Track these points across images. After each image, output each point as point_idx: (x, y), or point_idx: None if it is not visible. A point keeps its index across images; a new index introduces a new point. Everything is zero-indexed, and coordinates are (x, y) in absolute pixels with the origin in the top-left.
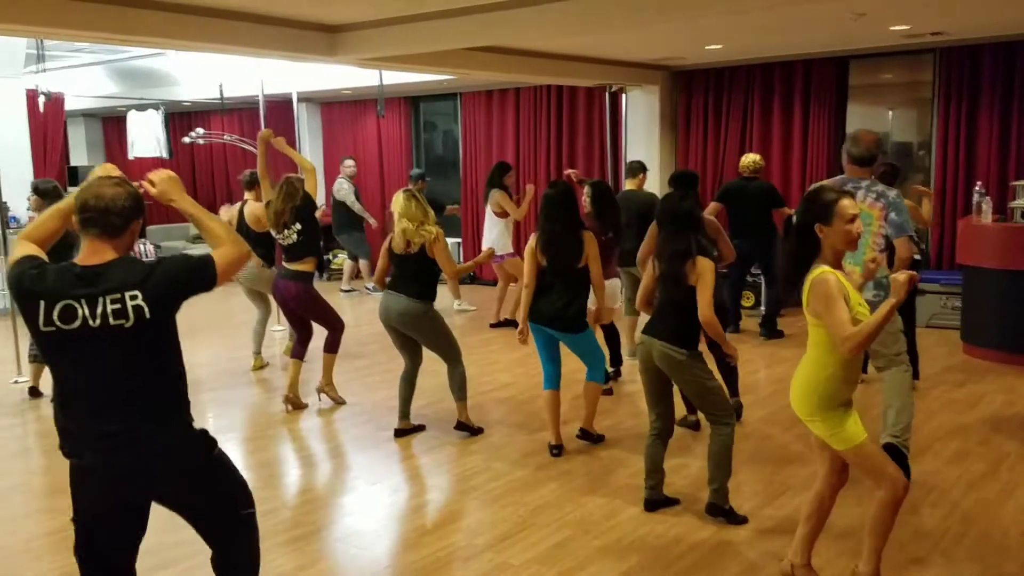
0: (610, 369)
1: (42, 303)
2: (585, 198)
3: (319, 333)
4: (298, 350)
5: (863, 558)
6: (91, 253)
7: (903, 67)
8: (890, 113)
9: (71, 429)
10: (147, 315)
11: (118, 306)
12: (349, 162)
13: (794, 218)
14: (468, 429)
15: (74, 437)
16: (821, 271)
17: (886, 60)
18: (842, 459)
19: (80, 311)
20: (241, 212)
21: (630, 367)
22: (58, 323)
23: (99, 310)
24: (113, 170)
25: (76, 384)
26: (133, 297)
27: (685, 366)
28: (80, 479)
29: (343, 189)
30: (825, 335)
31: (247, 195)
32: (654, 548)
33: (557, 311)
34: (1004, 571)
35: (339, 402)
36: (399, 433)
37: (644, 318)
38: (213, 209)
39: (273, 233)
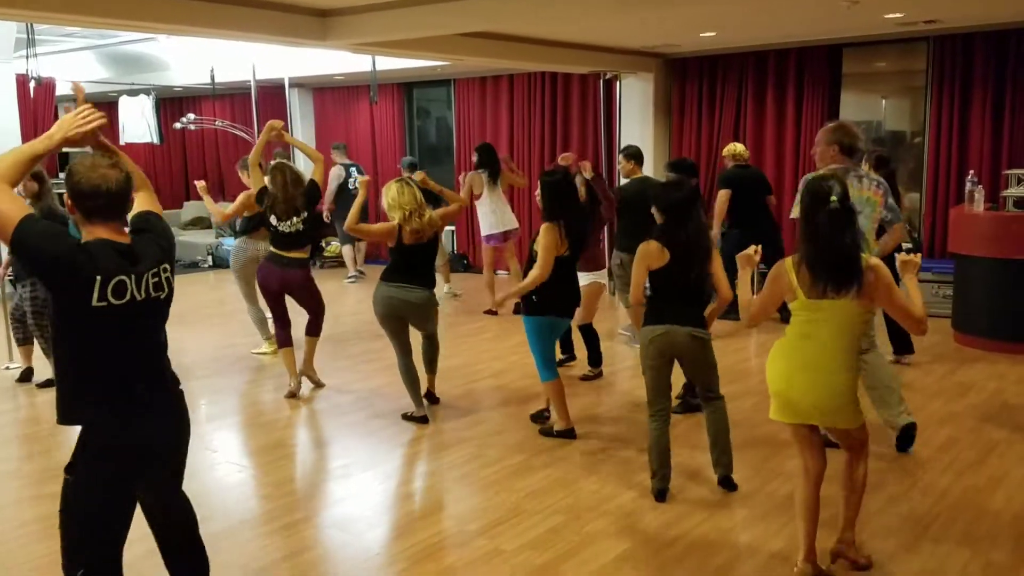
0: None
1: (99, 279)
2: (582, 187)
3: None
4: (287, 337)
5: (847, 530)
6: (115, 232)
7: (897, 55)
8: (883, 101)
9: (107, 402)
10: (172, 285)
11: (157, 279)
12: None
13: (796, 208)
14: (435, 399)
15: (111, 409)
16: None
17: (880, 48)
18: (821, 442)
19: (129, 287)
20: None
21: (616, 355)
22: (111, 299)
23: (143, 285)
24: (86, 111)
25: (116, 357)
26: (165, 270)
27: (708, 346)
28: (111, 453)
29: (343, 176)
30: (863, 326)
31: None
32: (647, 533)
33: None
34: (993, 557)
35: (320, 385)
36: (427, 418)
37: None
38: (216, 197)
39: (274, 220)
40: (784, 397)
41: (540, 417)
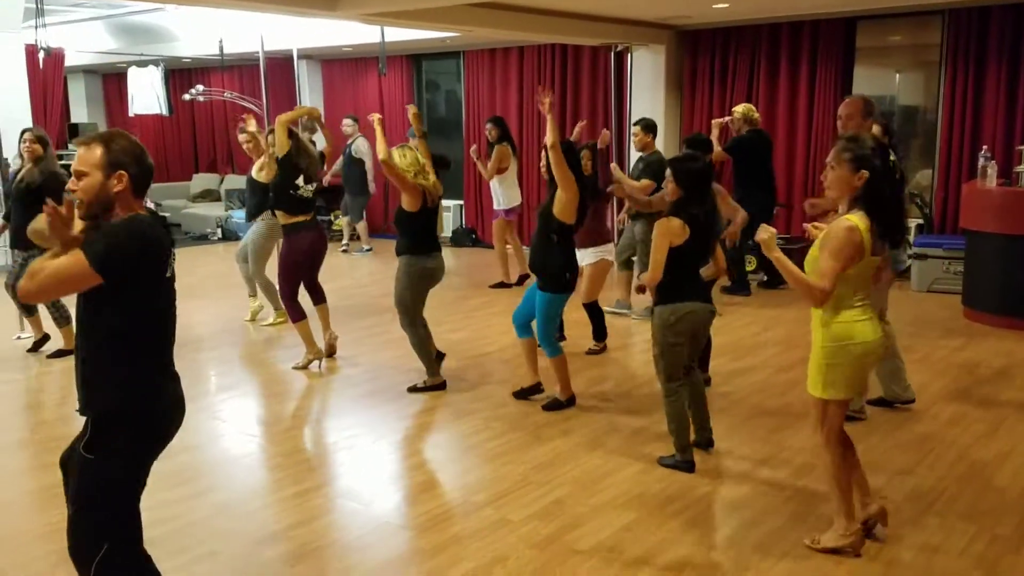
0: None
1: (172, 252)
2: (587, 161)
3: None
4: (302, 310)
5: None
6: (143, 208)
7: (911, 29)
8: (897, 75)
9: (162, 373)
10: None
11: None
12: (348, 121)
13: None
14: (442, 355)
15: (163, 380)
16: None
17: (894, 21)
18: None
19: (172, 259)
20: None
21: (622, 329)
22: (171, 271)
23: (174, 260)
24: None
25: (165, 329)
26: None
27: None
28: (160, 424)
29: (363, 149)
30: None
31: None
32: (652, 504)
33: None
34: (999, 532)
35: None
36: (445, 383)
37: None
38: (215, 167)
39: (301, 182)
40: (875, 355)
41: (525, 394)
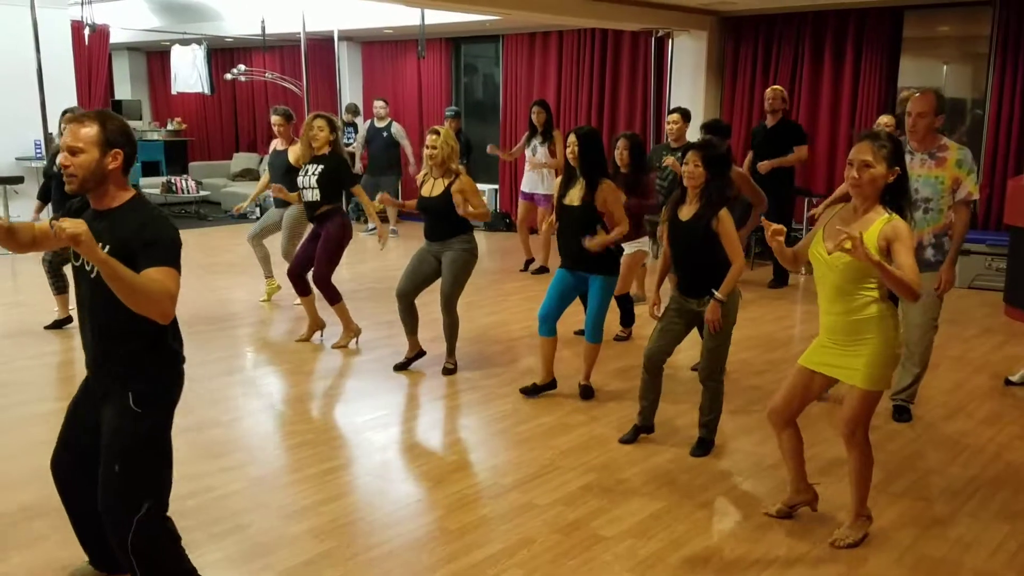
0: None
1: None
2: (624, 152)
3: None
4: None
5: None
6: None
7: (960, 19)
8: (944, 67)
9: (175, 337)
10: None
11: None
12: (380, 103)
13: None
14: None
15: (178, 346)
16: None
17: (942, 12)
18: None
19: None
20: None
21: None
22: None
23: None
24: None
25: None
26: None
27: None
28: (181, 385)
29: (400, 132)
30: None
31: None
32: (681, 493)
33: None
34: None
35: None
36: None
37: None
38: (255, 147)
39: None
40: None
41: (537, 391)
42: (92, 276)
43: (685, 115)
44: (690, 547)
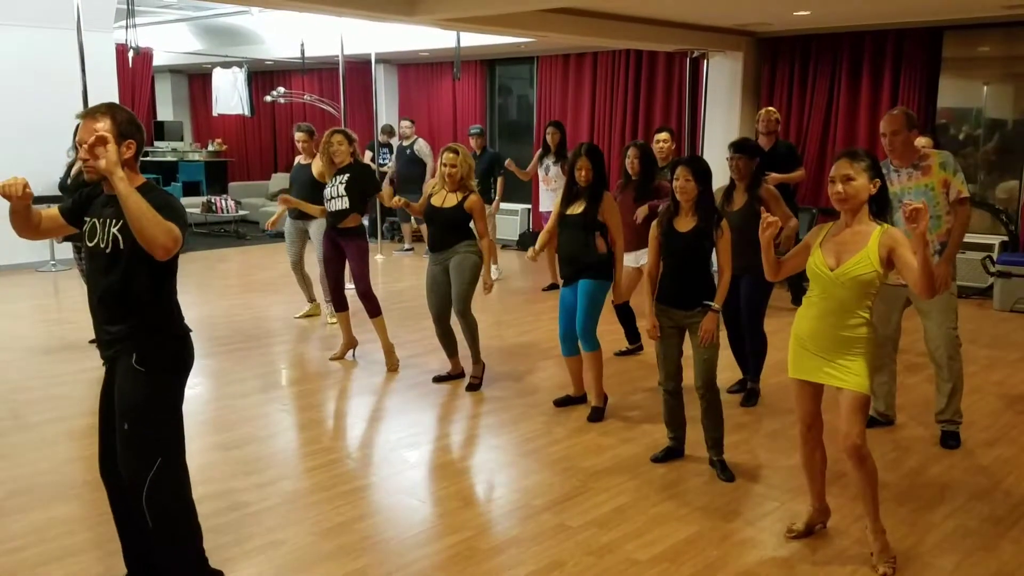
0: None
1: None
2: (635, 160)
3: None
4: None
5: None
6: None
7: (1001, 39)
8: (984, 88)
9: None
10: None
11: None
12: (407, 123)
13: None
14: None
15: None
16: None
17: (983, 32)
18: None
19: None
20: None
21: None
22: None
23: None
24: None
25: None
26: None
27: None
28: (191, 349)
29: (425, 151)
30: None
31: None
32: (715, 517)
33: None
34: None
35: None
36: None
37: None
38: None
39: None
40: None
41: (565, 402)
42: (107, 252)
43: (674, 135)
44: (724, 572)
